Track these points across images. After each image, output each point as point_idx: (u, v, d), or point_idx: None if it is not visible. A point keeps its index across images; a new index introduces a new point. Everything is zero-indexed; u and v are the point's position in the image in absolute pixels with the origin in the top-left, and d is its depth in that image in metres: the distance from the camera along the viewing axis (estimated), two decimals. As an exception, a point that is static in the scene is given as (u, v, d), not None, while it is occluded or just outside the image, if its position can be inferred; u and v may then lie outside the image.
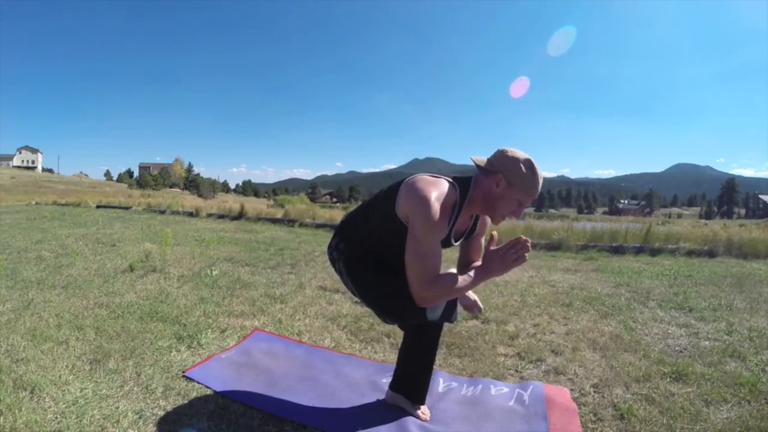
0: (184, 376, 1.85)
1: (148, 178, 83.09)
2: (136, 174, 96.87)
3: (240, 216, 9.48)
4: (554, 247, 5.95)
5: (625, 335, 2.47)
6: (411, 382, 1.64)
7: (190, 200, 19.01)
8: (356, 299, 1.59)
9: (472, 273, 1.35)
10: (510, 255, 1.30)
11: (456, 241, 1.49)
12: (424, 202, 1.26)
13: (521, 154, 1.31)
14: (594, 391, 1.82)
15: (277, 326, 2.52)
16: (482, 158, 1.36)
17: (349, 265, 1.50)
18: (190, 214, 10.14)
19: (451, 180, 1.36)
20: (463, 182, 1.37)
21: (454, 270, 1.52)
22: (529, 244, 1.30)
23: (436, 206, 1.26)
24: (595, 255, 5.39)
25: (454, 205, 1.34)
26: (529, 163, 1.29)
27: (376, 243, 1.44)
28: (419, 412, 1.63)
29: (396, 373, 1.69)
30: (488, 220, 1.54)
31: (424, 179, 1.33)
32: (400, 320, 1.50)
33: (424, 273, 1.30)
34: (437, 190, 1.29)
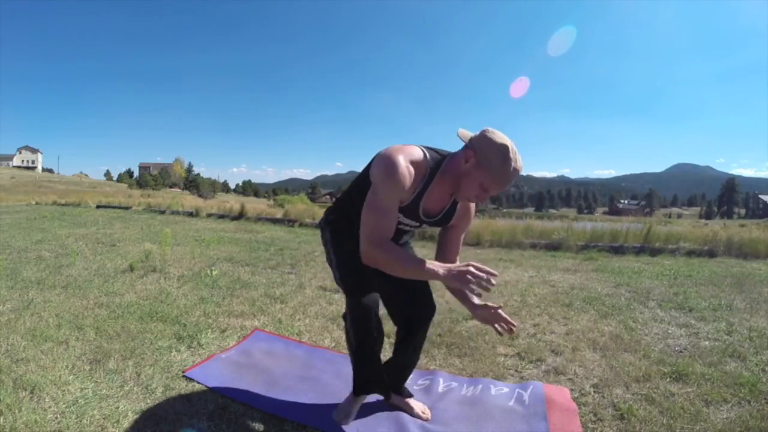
0: (184, 376, 1.85)
1: (148, 178, 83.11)
2: (136, 174, 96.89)
3: (240, 216, 9.48)
4: (554, 247, 5.95)
5: (625, 335, 2.47)
6: (393, 374, 1.67)
7: (190, 200, 19.00)
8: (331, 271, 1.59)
9: (428, 263, 1.27)
10: (472, 277, 1.20)
11: (427, 218, 1.42)
12: (389, 159, 1.27)
13: (501, 138, 1.23)
14: (594, 391, 1.82)
15: (277, 326, 2.52)
16: (468, 133, 1.31)
17: (334, 234, 1.56)
18: (190, 214, 10.14)
19: (426, 149, 1.34)
20: (441, 154, 1.35)
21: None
22: (493, 283, 1.20)
23: (401, 165, 1.26)
24: (595, 255, 5.39)
25: (424, 174, 1.32)
26: (503, 149, 1.21)
27: (356, 212, 1.40)
28: (419, 411, 1.63)
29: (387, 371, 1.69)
30: (471, 215, 1.52)
31: (396, 146, 1.33)
32: (347, 294, 1.49)
33: (374, 229, 1.30)
34: (406, 153, 1.29)
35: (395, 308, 1.65)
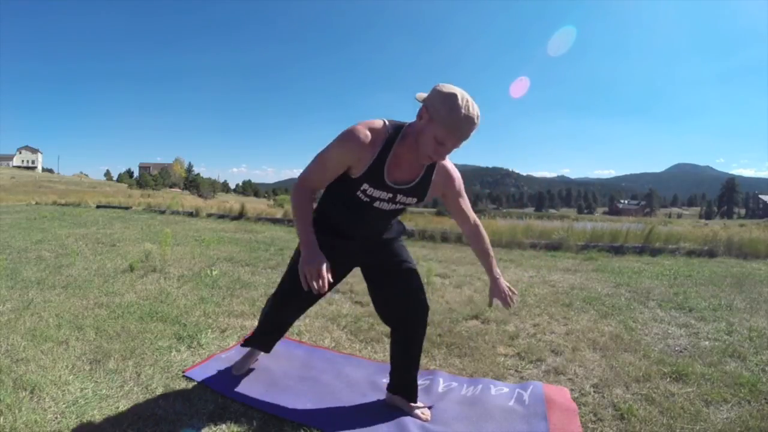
0: (184, 376, 1.85)
1: (148, 178, 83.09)
2: (136, 174, 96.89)
3: (240, 216, 9.48)
4: (554, 247, 5.94)
5: (625, 335, 2.47)
6: (400, 379, 1.68)
7: (190, 200, 19.01)
8: None
9: (309, 236, 1.37)
10: (303, 275, 1.30)
11: (398, 186, 1.39)
12: (349, 127, 1.34)
13: (450, 88, 1.22)
14: (594, 391, 1.82)
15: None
16: (424, 95, 1.30)
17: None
18: (190, 214, 10.13)
19: (389, 120, 1.38)
20: (404, 123, 1.39)
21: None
22: (317, 286, 1.31)
23: (356, 127, 1.32)
24: (595, 255, 5.39)
25: (384, 138, 1.34)
26: (450, 98, 1.20)
27: (325, 208, 1.53)
28: (419, 412, 1.63)
29: (390, 373, 1.72)
30: (454, 179, 1.48)
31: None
32: (280, 286, 1.65)
33: (306, 175, 1.40)
34: (365, 122, 1.35)
35: (388, 311, 1.65)
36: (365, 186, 1.38)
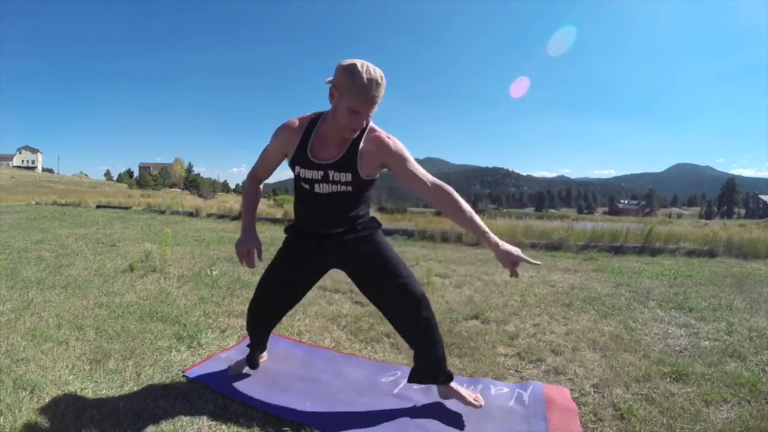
0: (184, 376, 1.85)
1: (148, 178, 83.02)
2: (136, 174, 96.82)
3: (240, 216, 9.48)
4: (554, 247, 5.94)
5: (625, 335, 2.47)
6: (420, 365, 1.67)
7: (190, 200, 19.01)
8: None
9: (246, 223, 1.64)
10: (238, 254, 1.60)
11: (322, 161, 1.44)
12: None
13: (348, 61, 1.32)
14: (594, 391, 1.82)
15: (276, 326, 2.51)
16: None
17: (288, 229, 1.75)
18: (190, 214, 10.14)
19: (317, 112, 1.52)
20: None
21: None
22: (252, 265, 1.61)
23: (288, 119, 1.52)
24: (595, 255, 5.39)
25: (307, 124, 1.48)
26: (350, 68, 1.30)
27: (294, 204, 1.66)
28: (472, 399, 1.64)
29: (416, 363, 1.69)
30: (388, 148, 1.45)
31: None
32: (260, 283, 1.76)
33: (253, 167, 1.66)
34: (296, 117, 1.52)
35: (380, 309, 1.66)
36: (298, 169, 1.49)
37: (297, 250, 1.64)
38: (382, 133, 1.47)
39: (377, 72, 1.30)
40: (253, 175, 1.66)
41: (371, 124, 1.48)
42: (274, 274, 1.70)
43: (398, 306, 1.60)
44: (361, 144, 1.44)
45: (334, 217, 1.54)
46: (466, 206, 1.46)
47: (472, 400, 1.64)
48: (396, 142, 1.47)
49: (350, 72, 1.29)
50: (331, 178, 1.45)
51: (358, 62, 1.30)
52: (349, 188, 1.47)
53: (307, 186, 1.50)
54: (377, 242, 1.60)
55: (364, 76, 1.28)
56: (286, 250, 1.68)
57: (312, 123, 1.48)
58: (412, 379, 1.71)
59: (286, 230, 1.68)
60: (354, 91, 1.30)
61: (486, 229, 1.43)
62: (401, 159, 1.46)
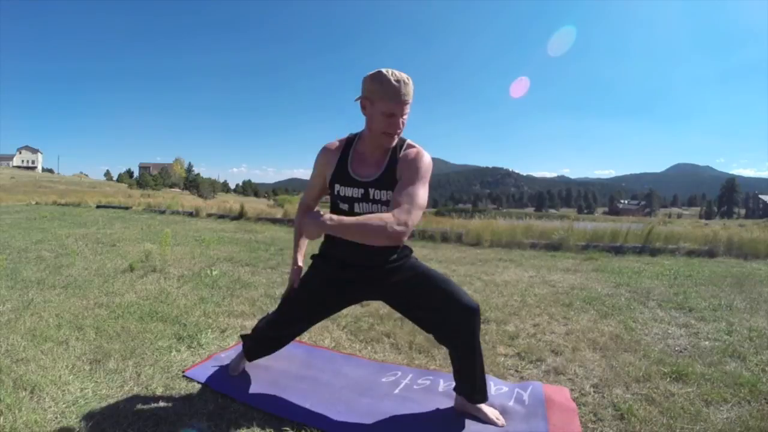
0: (184, 376, 1.85)
1: (148, 178, 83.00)
2: (136, 174, 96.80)
3: (240, 216, 9.48)
4: (554, 247, 5.94)
5: (625, 335, 2.47)
6: (460, 384, 1.61)
7: (190, 200, 19.01)
8: None
9: (297, 248, 1.68)
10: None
11: (364, 178, 1.43)
12: None
13: (373, 71, 1.37)
14: (594, 391, 1.82)
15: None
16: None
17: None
18: (190, 214, 10.13)
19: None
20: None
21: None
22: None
23: (323, 147, 1.54)
24: (595, 255, 5.39)
25: (341, 145, 1.51)
26: (377, 75, 1.35)
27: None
28: (493, 417, 1.57)
29: (454, 378, 1.64)
30: (413, 166, 1.38)
31: None
32: (279, 307, 1.73)
33: (302, 196, 1.70)
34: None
35: (432, 332, 1.59)
36: (337, 187, 1.48)
37: (329, 279, 1.59)
38: (414, 152, 1.44)
39: (403, 74, 1.35)
40: (302, 203, 1.68)
41: (408, 140, 1.48)
42: (299, 302, 1.65)
43: (453, 320, 1.52)
44: (398, 163, 1.42)
45: (374, 247, 1.42)
46: (369, 219, 1.25)
47: (494, 419, 1.58)
48: (427, 157, 1.43)
49: (378, 78, 1.34)
50: (371, 197, 1.44)
51: (383, 69, 1.34)
52: (386, 207, 1.41)
53: (346, 206, 1.47)
54: (415, 266, 1.57)
55: (392, 78, 1.32)
56: (316, 279, 1.62)
57: (349, 143, 1.50)
58: (461, 392, 1.62)
59: (314, 257, 1.65)
60: (385, 94, 1.33)
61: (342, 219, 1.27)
62: (416, 168, 1.39)
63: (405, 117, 1.38)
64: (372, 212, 1.42)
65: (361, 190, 1.44)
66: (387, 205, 1.42)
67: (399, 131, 1.40)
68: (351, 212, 1.46)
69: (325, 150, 1.52)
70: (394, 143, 1.43)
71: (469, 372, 1.57)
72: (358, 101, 1.41)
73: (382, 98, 1.33)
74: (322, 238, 1.55)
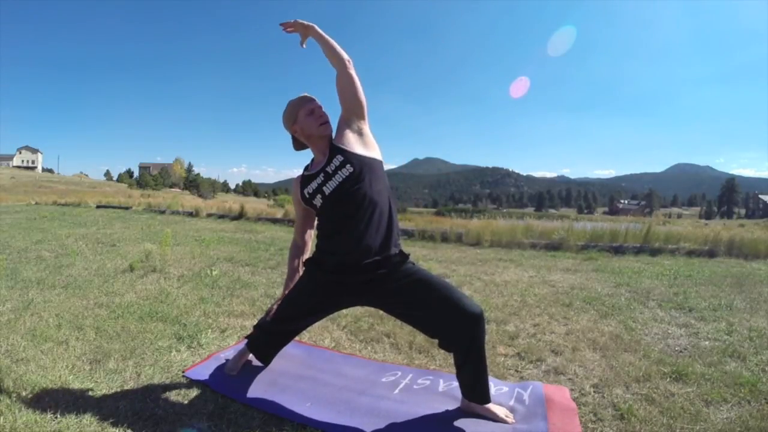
0: (184, 376, 1.85)
1: (148, 178, 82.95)
2: (136, 174, 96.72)
3: (240, 216, 9.48)
4: (554, 247, 5.94)
5: (625, 335, 2.47)
6: (465, 387, 1.61)
7: (190, 200, 19.00)
8: None
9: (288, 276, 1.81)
10: None
11: (323, 167, 1.59)
12: None
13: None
14: (594, 391, 1.82)
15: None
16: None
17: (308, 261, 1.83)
18: (190, 214, 10.14)
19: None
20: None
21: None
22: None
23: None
24: (595, 255, 5.39)
25: (300, 179, 1.68)
26: (285, 109, 1.67)
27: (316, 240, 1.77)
28: (503, 416, 1.58)
29: (458, 380, 1.64)
30: (342, 124, 1.64)
31: None
32: (275, 314, 1.78)
33: (293, 234, 1.85)
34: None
35: (435, 336, 1.60)
36: (308, 194, 1.63)
37: (323, 288, 1.66)
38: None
39: (302, 94, 1.67)
40: (294, 245, 1.84)
41: None
42: (294, 303, 1.73)
43: (456, 327, 1.52)
44: (334, 134, 1.65)
45: (360, 225, 1.51)
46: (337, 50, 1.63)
47: (503, 417, 1.58)
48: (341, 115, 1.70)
49: (287, 107, 1.67)
50: (330, 172, 1.56)
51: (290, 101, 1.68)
52: (351, 168, 1.53)
53: (319, 199, 1.59)
54: (413, 272, 1.58)
55: (294, 100, 1.65)
56: (310, 287, 1.70)
57: (304, 171, 1.69)
58: (468, 396, 1.62)
59: (307, 263, 1.73)
60: (297, 106, 1.64)
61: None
62: (345, 102, 1.64)
63: (321, 107, 1.64)
64: (341, 182, 1.55)
65: (321, 174, 1.58)
66: (347, 168, 1.54)
67: (326, 117, 1.63)
68: (325, 200, 1.58)
69: (293, 183, 1.75)
70: (331, 128, 1.64)
71: (473, 375, 1.57)
72: (292, 140, 1.70)
73: (298, 110, 1.63)
74: (316, 238, 1.70)
